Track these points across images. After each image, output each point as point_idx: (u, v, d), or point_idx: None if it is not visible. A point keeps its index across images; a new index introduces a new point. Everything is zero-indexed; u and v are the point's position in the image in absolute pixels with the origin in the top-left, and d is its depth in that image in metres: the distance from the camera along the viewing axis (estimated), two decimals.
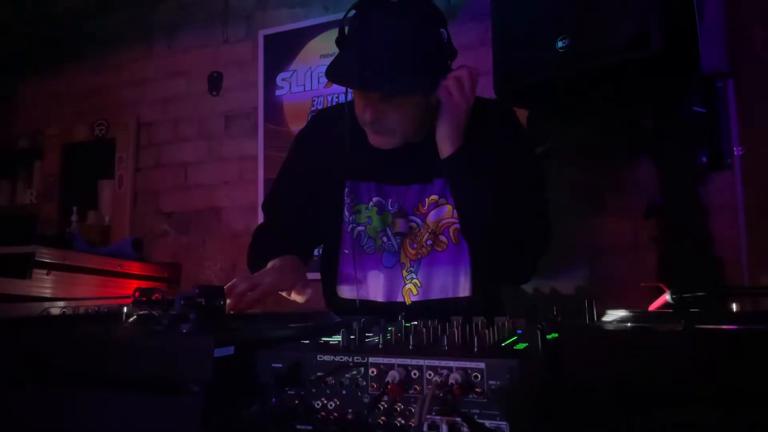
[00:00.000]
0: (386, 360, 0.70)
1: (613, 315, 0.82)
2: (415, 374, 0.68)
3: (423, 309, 1.36)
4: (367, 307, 1.40)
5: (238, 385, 0.76)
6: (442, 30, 1.23)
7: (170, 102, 2.97)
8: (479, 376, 0.65)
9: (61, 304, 1.14)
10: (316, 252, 1.58)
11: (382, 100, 1.24)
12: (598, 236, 2.06)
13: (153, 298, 1.34)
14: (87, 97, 3.16)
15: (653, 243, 1.91)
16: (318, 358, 0.73)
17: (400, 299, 1.40)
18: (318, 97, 2.59)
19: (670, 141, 1.81)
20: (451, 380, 0.65)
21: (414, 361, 0.69)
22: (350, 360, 0.72)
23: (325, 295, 1.50)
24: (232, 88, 2.84)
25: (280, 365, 0.75)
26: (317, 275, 1.51)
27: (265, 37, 2.72)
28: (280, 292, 1.25)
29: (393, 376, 0.68)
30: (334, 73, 1.23)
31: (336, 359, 0.73)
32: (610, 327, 0.75)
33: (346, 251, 1.42)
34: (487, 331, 0.77)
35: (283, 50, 2.67)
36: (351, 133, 1.34)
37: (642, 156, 1.97)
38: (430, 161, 1.31)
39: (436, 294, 1.38)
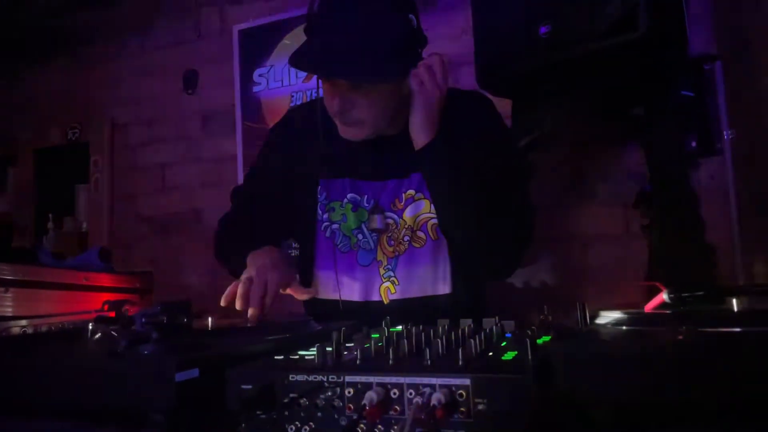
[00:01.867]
0: (363, 378, 0.65)
1: (608, 317, 0.76)
2: (394, 393, 0.63)
3: (402, 308, 1.33)
4: (343, 307, 1.36)
5: (205, 411, 0.70)
6: (411, 15, 1.19)
7: (145, 102, 2.88)
8: (464, 394, 0.60)
9: (24, 322, 1.07)
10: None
11: (350, 88, 1.20)
12: (587, 226, 2.02)
13: (123, 310, 1.28)
14: (58, 99, 3.07)
15: (643, 231, 1.87)
16: (290, 378, 0.68)
17: (377, 298, 1.36)
18: (297, 93, 2.51)
19: (659, 127, 1.76)
20: (433, 401, 0.59)
21: (394, 379, 0.63)
22: (325, 380, 0.66)
23: None
24: (208, 86, 2.75)
25: (250, 386, 0.70)
26: None
27: (240, 31, 2.64)
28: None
29: (371, 397, 0.62)
30: (298, 60, 1.19)
31: (310, 379, 0.67)
32: (604, 332, 0.70)
33: (321, 250, 1.38)
34: (472, 341, 0.71)
35: (259, 45, 2.59)
36: (324, 128, 1.30)
37: (630, 143, 1.93)
38: (406, 155, 1.27)
39: (415, 292, 1.34)
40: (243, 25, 2.65)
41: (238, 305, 1.06)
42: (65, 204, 3.00)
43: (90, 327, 1.00)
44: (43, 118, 3.08)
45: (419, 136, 1.22)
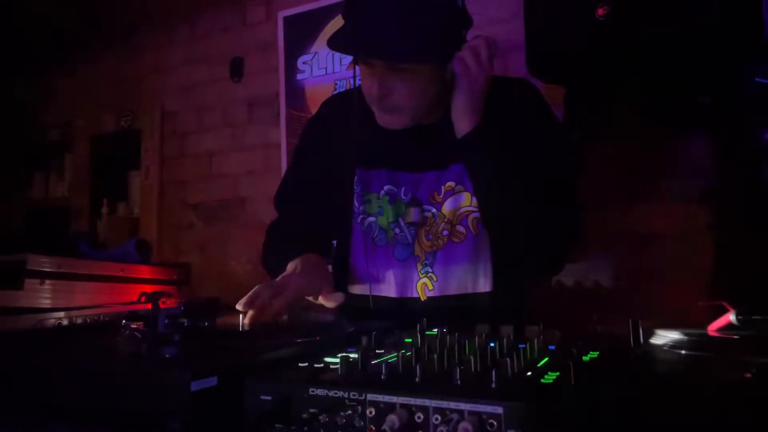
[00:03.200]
0: (387, 398, 0.60)
1: (665, 337, 0.68)
2: (419, 417, 0.58)
3: (439, 306, 1.27)
4: (379, 304, 1.31)
5: (222, 421, 0.67)
6: None
7: (193, 89, 2.91)
8: (495, 423, 0.54)
9: (61, 314, 1.08)
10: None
11: (389, 72, 1.14)
12: (645, 223, 1.88)
13: (160, 302, 1.28)
14: (112, 87, 3.14)
15: (709, 231, 1.73)
16: (310, 392, 0.64)
17: (414, 295, 1.31)
18: (340, 80, 2.46)
19: (729, 117, 1.62)
20: (459, 431, 0.54)
21: (419, 401, 0.58)
22: (346, 396, 0.62)
23: (337, 289, 1.42)
24: (254, 73, 2.74)
25: (270, 398, 0.66)
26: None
27: (285, 18, 2.60)
28: (307, 297, 1.17)
29: (392, 421, 0.57)
30: (336, 42, 1.14)
31: (330, 394, 0.63)
32: (659, 356, 0.62)
33: (357, 244, 1.34)
34: (508, 359, 0.64)
35: (303, 32, 2.55)
36: (361, 117, 1.24)
37: (697, 134, 1.78)
38: (446, 145, 1.21)
39: (453, 289, 1.28)
40: (288, 12, 2.61)
41: (241, 305, 0.99)
42: (119, 190, 3.09)
43: (124, 322, 0.99)
44: (97, 105, 3.16)
45: (462, 122, 1.16)
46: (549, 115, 1.29)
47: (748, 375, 0.44)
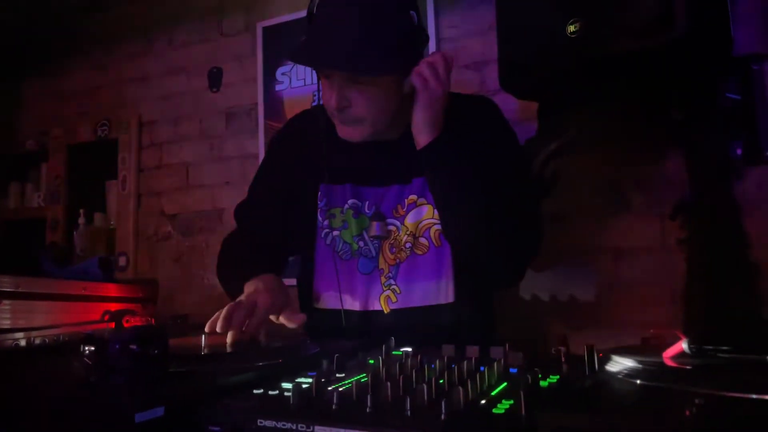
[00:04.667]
0: (335, 430, 0.59)
1: (620, 364, 0.68)
2: None
3: (402, 318, 1.28)
4: (345, 318, 1.31)
5: None
6: (412, 12, 1.17)
7: (171, 99, 2.87)
8: None
9: (20, 335, 1.06)
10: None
11: (348, 84, 1.17)
12: (619, 238, 1.89)
13: (124, 321, 1.26)
14: (89, 96, 3.10)
15: (681, 245, 1.73)
16: (259, 423, 0.62)
17: (377, 307, 1.31)
18: (318, 92, 2.45)
19: (700, 132, 1.63)
20: None
21: None
22: (294, 428, 0.61)
23: (301, 305, 1.42)
24: (232, 84, 2.72)
25: (218, 429, 0.65)
26: (293, 281, 1.43)
27: (264, 29, 2.59)
28: (270, 317, 1.16)
29: None
30: (295, 54, 1.18)
31: (278, 426, 0.61)
32: (613, 386, 0.62)
33: (321, 258, 1.34)
34: (461, 388, 0.63)
35: (282, 42, 2.54)
36: (325, 133, 1.27)
37: (668, 149, 1.79)
38: (408, 160, 1.24)
39: (416, 301, 1.29)
40: (267, 22, 2.60)
41: (219, 327, 1.00)
42: (96, 200, 3.04)
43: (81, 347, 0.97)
44: (74, 114, 3.12)
45: (421, 135, 1.18)
46: (508, 132, 1.32)
47: (687, 413, 0.43)
